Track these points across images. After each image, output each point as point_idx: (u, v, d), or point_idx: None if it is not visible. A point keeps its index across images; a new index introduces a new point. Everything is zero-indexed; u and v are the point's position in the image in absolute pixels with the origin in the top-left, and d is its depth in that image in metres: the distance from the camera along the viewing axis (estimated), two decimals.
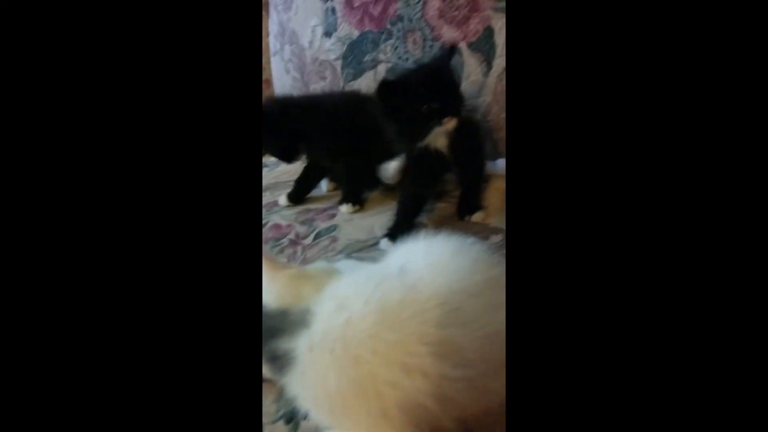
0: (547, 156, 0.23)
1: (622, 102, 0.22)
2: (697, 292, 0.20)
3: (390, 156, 0.60)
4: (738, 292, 0.20)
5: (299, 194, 0.71)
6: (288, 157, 0.72)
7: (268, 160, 0.92)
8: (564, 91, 0.23)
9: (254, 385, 0.25)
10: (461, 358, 0.29)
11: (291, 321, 0.34)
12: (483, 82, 0.66)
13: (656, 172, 0.21)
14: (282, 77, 0.92)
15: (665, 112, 0.21)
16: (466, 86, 0.67)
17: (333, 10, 0.78)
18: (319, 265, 0.46)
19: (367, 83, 0.77)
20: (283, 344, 0.33)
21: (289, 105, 0.70)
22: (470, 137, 0.58)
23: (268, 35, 0.95)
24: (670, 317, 0.21)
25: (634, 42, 0.22)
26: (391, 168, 0.60)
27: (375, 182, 0.66)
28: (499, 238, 0.53)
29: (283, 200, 0.71)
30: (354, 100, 0.71)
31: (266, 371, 0.36)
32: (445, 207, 0.64)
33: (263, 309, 0.37)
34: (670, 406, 0.20)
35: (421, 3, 0.68)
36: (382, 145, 0.59)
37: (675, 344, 0.20)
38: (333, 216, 0.66)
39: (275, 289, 0.36)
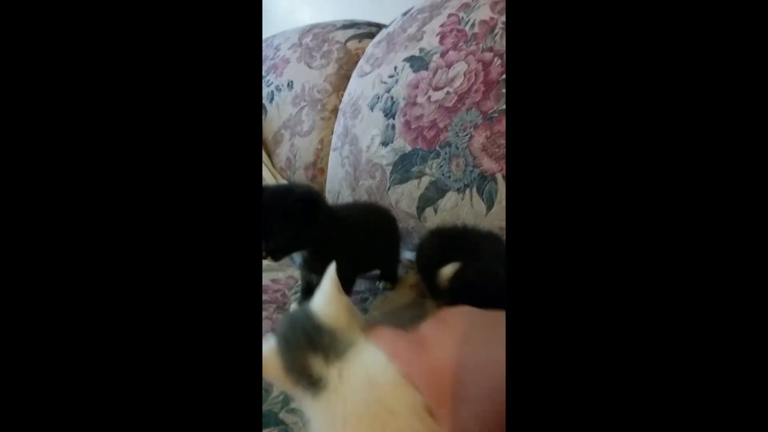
0: (547, 168, 0.23)
1: (617, 118, 0.22)
2: (697, 295, 0.20)
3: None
4: (736, 305, 0.20)
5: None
6: (277, 257, 0.55)
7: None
8: (562, 101, 0.23)
9: (254, 385, 0.26)
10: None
11: (334, 345, 0.35)
12: None
13: (657, 181, 0.21)
14: (337, 169, 1.06)
15: (663, 129, 0.21)
16: (498, 210, 0.76)
17: (393, 126, 0.93)
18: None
19: (410, 189, 0.88)
20: (318, 366, 0.34)
21: (316, 209, 0.56)
22: None
23: (332, 133, 1.11)
24: (669, 322, 0.20)
25: (632, 57, 0.22)
26: (446, 273, 0.60)
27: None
28: None
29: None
30: (383, 216, 0.74)
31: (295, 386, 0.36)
32: None
33: (316, 323, 0.37)
34: (669, 408, 0.20)
35: (468, 136, 0.81)
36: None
37: (674, 346, 0.20)
38: None
39: (333, 309, 0.38)
